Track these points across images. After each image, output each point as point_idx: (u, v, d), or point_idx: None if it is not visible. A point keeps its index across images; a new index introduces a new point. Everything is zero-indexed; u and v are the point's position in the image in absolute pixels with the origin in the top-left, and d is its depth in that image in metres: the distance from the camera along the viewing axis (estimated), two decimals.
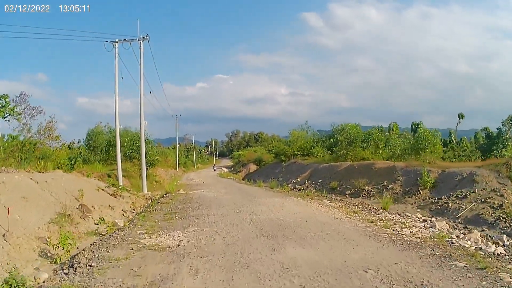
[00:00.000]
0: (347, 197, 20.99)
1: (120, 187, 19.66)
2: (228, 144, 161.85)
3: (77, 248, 9.39)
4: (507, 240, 10.54)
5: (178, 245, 8.90)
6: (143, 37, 24.08)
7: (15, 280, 6.27)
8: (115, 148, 24.21)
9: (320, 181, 27.11)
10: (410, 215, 14.56)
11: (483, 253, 8.48)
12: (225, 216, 13.17)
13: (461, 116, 53.05)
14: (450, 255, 8.00)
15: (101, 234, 11.23)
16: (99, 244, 9.24)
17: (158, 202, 18.15)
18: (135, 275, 6.72)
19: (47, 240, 8.99)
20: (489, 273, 6.71)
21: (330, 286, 6.12)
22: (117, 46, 23.56)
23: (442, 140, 33.32)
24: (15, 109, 21.31)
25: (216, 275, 6.65)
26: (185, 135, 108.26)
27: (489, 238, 11.16)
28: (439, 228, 12.01)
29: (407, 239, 9.57)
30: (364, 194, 20.75)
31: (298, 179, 30.77)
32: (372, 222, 12.11)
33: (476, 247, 9.35)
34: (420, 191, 17.57)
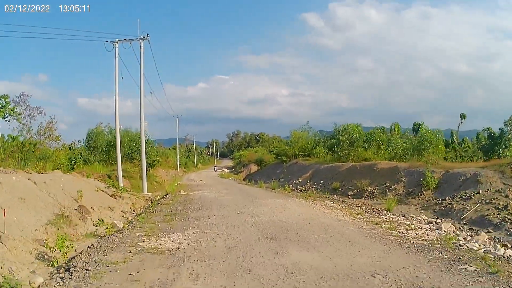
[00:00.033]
0: (349, 198, 20.76)
1: (120, 188, 19.51)
2: (229, 145, 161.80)
3: (75, 251, 9.19)
4: None
5: (178, 248, 8.63)
6: (144, 37, 24.04)
7: (9, 285, 6.06)
8: (115, 149, 24.09)
9: (322, 181, 26.89)
10: (414, 216, 14.30)
11: (492, 256, 8.18)
12: (226, 218, 12.92)
13: (463, 116, 52.95)
14: (459, 258, 7.72)
15: (100, 236, 11.04)
16: (96, 246, 9.01)
17: (158, 203, 17.94)
18: (133, 280, 6.46)
19: (44, 242, 8.80)
20: (501, 278, 6.44)
21: None
22: (117, 46, 23.54)
23: (444, 141, 33.09)
24: (15, 110, 21.15)
25: (217, 281, 6.38)
26: (186, 135, 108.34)
27: (497, 241, 10.90)
28: (446, 230, 11.74)
29: (413, 242, 9.31)
30: (366, 195, 20.53)
31: (300, 180, 30.56)
32: (376, 224, 11.83)
33: (485, 250, 9.06)
34: (424, 192, 17.37)
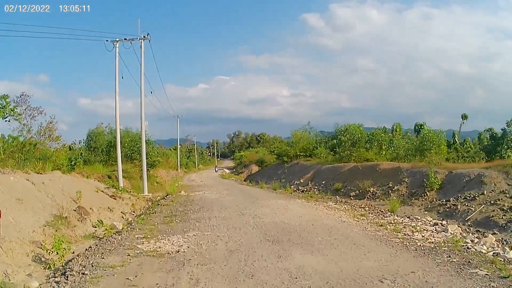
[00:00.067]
0: (351, 199, 20.57)
1: (120, 189, 19.30)
2: (230, 145, 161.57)
3: (73, 253, 8.97)
4: None
5: (178, 251, 8.36)
6: (144, 37, 23.92)
7: None
8: (115, 149, 23.91)
9: (323, 182, 26.70)
10: (419, 218, 14.07)
11: (502, 260, 7.94)
12: (227, 219, 12.66)
13: (464, 116, 52.64)
14: (469, 262, 7.48)
15: (98, 237, 10.82)
16: (94, 249, 8.76)
17: (158, 204, 17.71)
18: (131, 285, 6.21)
19: (41, 244, 8.60)
20: None
21: None
22: (117, 45, 23.42)
23: (446, 141, 32.90)
24: (15, 110, 20.98)
25: (218, 286, 6.13)
26: (186, 136, 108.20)
27: (505, 243, 10.69)
28: (452, 232, 11.49)
29: (420, 244, 9.06)
30: (369, 195, 20.36)
31: (301, 180, 30.36)
32: (381, 225, 11.56)
33: (493, 253, 8.82)
34: (427, 192, 17.19)
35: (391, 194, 18.84)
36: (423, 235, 10.53)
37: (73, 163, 23.88)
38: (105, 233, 11.07)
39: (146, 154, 25.81)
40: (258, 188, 28.89)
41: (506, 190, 14.30)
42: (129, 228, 11.54)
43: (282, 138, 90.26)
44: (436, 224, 13.11)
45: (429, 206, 16.06)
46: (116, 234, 10.69)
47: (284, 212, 14.04)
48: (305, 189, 26.63)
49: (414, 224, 12.41)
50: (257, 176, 43.93)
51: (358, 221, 12.45)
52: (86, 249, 8.92)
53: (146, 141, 26.97)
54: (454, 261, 7.53)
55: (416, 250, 8.50)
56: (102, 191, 16.96)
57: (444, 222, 13.54)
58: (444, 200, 15.74)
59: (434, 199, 16.46)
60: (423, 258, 7.76)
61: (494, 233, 11.75)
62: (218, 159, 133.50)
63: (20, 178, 12.07)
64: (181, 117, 68.63)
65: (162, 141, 79.91)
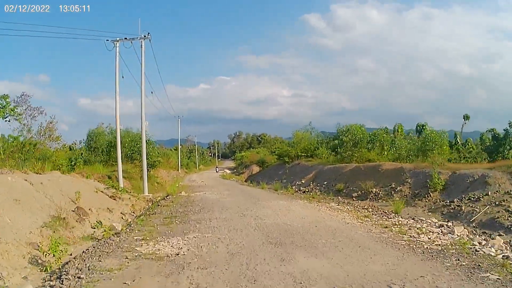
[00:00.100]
0: (354, 200, 20.30)
1: (120, 189, 19.12)
2: (231, 146, 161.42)
3: (70, 254, 8.80)
4: None
5: (177, 254, 8.09)
6: (145, 36, 23.78)
7: None
8: (116, 149, 23.69)
9: (325, 183, 26.44)
10: (424, 219, 13.80)
11: None
12: (228, 221, 12.39)
13: (466, 117, 52.42)
14: (479, 265, 7.23)
15: (97, 238, 10.64)
16: (91, 251, 8.50)
17: (158, 205, 17.46)
18: None
19: (38, 246, 8.39)
20: None
21: None
22: (118, 45, 23.29)
23: (448, 142, 32.72)
24: (15, 110, 20.85)
25: None
26: (187, 136, 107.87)
27: None
28: (459, 234, 11.22)
29: (427, 247, 8.82)
30: (371, 196, 20.07)
31: (303, 181, 30.10)
32: (386, 227, 11.32)
33: (503, 256, 8.56)
34: (430, 193, 16.91)
35: (394, 195, 18.57)
36: (429, 237, 10.30)
37: (73, 163, 23.73)
38: (103, 234, 10.89)
39: (147, 154, 25.63)
40: (259, 189, 28.66)
41: (511, 191, 14.00)
42: (128, 230, 11.30)
43: (283, 139, 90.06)
44: (441, 225, 12.84)
45: (432, 207, 15.82)
46: (115, 235, 10.47)
47: (286, 213, 13.78)
48: (307, 190, 26.36)
49: (420, 226, 12.15)
50: (258, 177, 43.71)
51: (362, 222, 12.20)
52: (83, 251, 8.68)
53: (146, 141, 26.80)
54: (463, 265, 7.30)
55: (423, 253, 8.25)
56: (101, 191, 16.76)
57: (449, 223, 13.26)
58: (448, 201, 15.50)
59: (438, 200, 16.21)
60: (431, 262, 7.51)
61: (500, 235, 11.45)
62: (219, 159, 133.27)
63: (18, 178, 11.92)
64: (182, 117, 68.62)
65: (163, 142, 79.95)
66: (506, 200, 13.46)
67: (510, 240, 10.88)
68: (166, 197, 21.53)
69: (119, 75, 23.15)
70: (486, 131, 38.97)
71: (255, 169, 56.08)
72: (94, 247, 9.00)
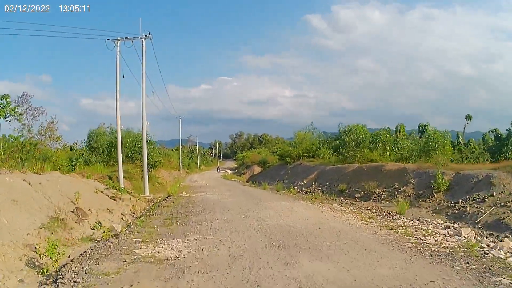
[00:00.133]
0: (357, 200, 20.11)
1: (120, 189, 18.91)
2: (232, 146, 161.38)
3: (69, 256, 8.59)
4: None
5: (177, 257, 7.81)
6: (146, 35, 23.61)
7: None
8: (116, 149, 23.48)
9: (327, 183, 26.23)
10: (430, 221, 13.53)
11: None
12: (230, 222, 12.12)
13: (468, 117, 52.27)
14: (489, 268, 6.99)
15: (96, 240, 10.43)
16: (89, 254, 8.25)
17: (159, 206, 17.21)
18: None
19: (36, 248, 8.22)
20: None
21: None
22: (118, 44, 23.13)
23: (451, 142, 32.53)
24: (16, 110, 20.69)
25: None
26: (188, 136, 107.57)
27: None
28: (466, 236, 10.96)
29: (435, 250, 8.56)
30: (374, 197, 19.88)
31: (305, 182, 29.88)
32: (391, 229, 11.05)
33: None
34: (434, 194, 16.73)
35: (397, 195, 18.38)
36: (436, 239, 10.06)
37: (73, 163, 23.59)
38: (103, 236, 10.69)
39: (148, 155, 25.45)
40: (261, 189, 28.42)
41: None
42: (127, 231, 11.03)
43: (284, 139, 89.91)
44: (448, 227, 12.60)
45: (437, 208, 15.61)
46: (114, 237, 10.22)
47: (289, 215, 13.52)
48: (309, 190, 26.16)
49: (425, 228, 11.89)
50: (259, 177, 43.52)
51: (367, 224, 11.94)
52: (80, 254, 8.43)
53: (147, 141, 26.62)
54: (473, 268, 7.05)
55: (431, 256, 8.00)
56: (101, 192, 16.54)
57: (456, 225, 13.03)
58: (452, 202, 15.30)
59: (442, 201, 16.03)
60: (441, 265, 7.25)
61: (506, 236, 11.21)
62: (220, 159, 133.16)
63: (17, 178, 11.74)
64: (183, 117, 68.38)
65: (164, 142, 79.85)
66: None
67: None
68: (167, 197, 21.30)
69: (120, 74, 23.00)
70: (489, 131, 38.82)
71: (257, 169, 55.94)
72: (92, 250, 8.75)
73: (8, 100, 20.26)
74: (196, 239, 9.59)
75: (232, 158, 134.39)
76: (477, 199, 14.44)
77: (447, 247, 9.00)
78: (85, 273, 6.75)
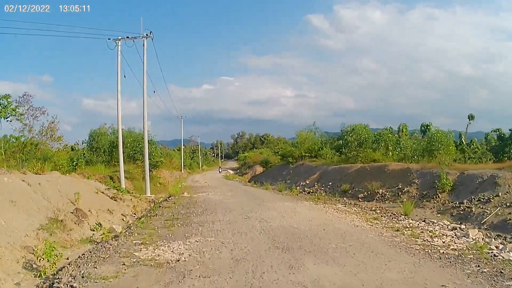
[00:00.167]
0: (360, 201, 19.92)
1: (121, 190, 18.74)
2: (234, 146, 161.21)
3: (67, 259, 8.37)
4: None
5: (178, 260, 7.54)
6: (147, 35, 23.44)
7: None
8: (118, 149, 23.30)
9: (330, 183, 26.05)
10: (436, 222, 13.30)
11: None
12: (232, 223, 11.86)
13: (471, 117, 52.14)
14: (501, 272, 6.74)
15: (96, 241, 10.21)
16: (87, 257, 8.01)
17: (160, 206, 16.98)
18: None
19: (33, 250, 7.97)
20: None
21: None
22: (119, 43, 22.94)
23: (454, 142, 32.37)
24: (17, 110, 20.63)
25: None
26: (190, 136, 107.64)
27: None
28: (473, 238, 10.71)
29: (443, 252, 8.30)
30: (378, 197, 19.73)
31: (307, 182, 29.71)
32: (397, 230, 10.79)
33: None
34: (439, 194, 16.59)
35: (401, 196, 18.23)
36: (443, 240, 9.83)
37: (74, 163, 23.45)
38: (102, 237, 10.48)
39: (149, 155, 25.28)
40: (263, 190, 28.20)
41: None
42: (127, 233, 10.79)
43: (286, 139, 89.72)
44: (454, 228, 12.37)
45: (441, 209, 15.45)
46: (113, 239, 10.00)
47: (292, 216, 13.26)
48: (312, 191, 25.97)
49: (432, 229, 11.64)
50: (261, 177, 43.34)
51: (372, 225, 11.69)
52: (78, 257, 8.20)
53: (148, 141, 26.46)
54: (485, 272, 6.80)
55: (440, 258, 7.75)
56: (102, 192, 16.32)
57: (463, 226, 12.82)
58: (457, 202, 15.14)
59: (447, 201, 15.86)
60: (450, 268, 7.00)
61: None
62: (222, 160, 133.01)
63: (15, 178, 11.57)
64: (184, 117, 68.16)
65: (166, 142, 79.73)
66: None
67: None
68: (168, 198, 21.09)
69: (121, 74, 22.87)
70: (491, 131, 38.84)
71: (259, 169, 55.77)
72: (90, 252, 8.51)
73: (9, 100, 20.24)
74: (197, 241, 9.34)
75: (234, 158, 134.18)
76: (482, 200, 14.29)
77: (455, 249, 8.76)
78: (82, 277, 6.52)
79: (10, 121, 20.45)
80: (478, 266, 7.19)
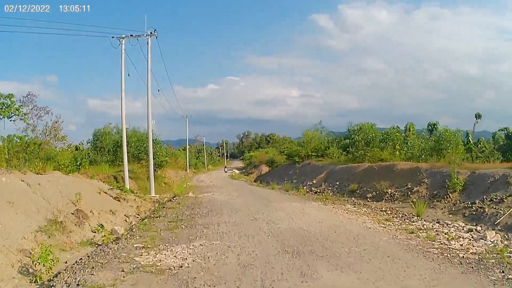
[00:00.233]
0: (368, 201, 19.42)
1: (125, 190, 18.44)
2: (239, 146, 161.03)
3: (65, 262, 7.99)
4: None
5: (181, 266, 7.04)
6: (151, 33, 23.18)
7: None
8: (122, 149, 22.99)
9: (337, 183, 25.56)
10: (450, 223, 12.77)
11: None
12: (239, 225, 11.39)
13: (478, 116, 51.55)
14: None
15: (97, 244, 9.84)
16: (84, 262, 7.56)
17: (164, 207, 16.57)
18: None
19: (30, 253, 7.64)
20: None
21: None
22: (123, 42, 22.70)
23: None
24: (20, 109, 20.44)
25: None
26: (196, 136, 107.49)
27: None
28: (491, 240, 10.18)
29: (463, 256, 7.81)
30: (387, 197, 19.17)
31: (314, 181, 29.24)
32: (412, 232, 10.27)
33: None
34: (449, 194, 15.99)
35: (411, 195, 17.67)
36: (461, 243, 9.34)
37: (78, 163, 23.20)
38: (103, 239, 10.11)
39: (154, 154, 25.04)
40: (269, 189, 27.77)
41: None
42: (128, 235, 10.34)
43: (292, 139, 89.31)
44: (470, 230, 11.82)
45: (453, 209, 14.89)
46: (114, 241, 9.61)
47: (301, 217, 12.77)
48: (319, 190, 25.51)
49: (447, 231, 11.14)
50: (267, 177, 42.95)
51: (385, 227, 11.18)
52: (76, 262, 7.74)
53: (153, 140, 26.19)
54: (510, 279, 6.29)
55: (461, 263, 7.25)
56: (105, 192, 15.99)
57: (478, 227, 12.26)
58: (469, 203, 14.59)
59: (458, 201, 15.31)
60: (474, 275, 6.50)
61: None
62: (228, 159, 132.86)
63: (14, 178, 11.28)
64: (190, 117, 68.11)
65: (172, 142, 79.87)
66: None
67: None
68: (173, 198, 20.75)
69: (124, 72, 22.55)
70: (498, 130, 38.33)
71: (264, 169, 55.40)
72: (88, 257, 8.05)
73: (12, 99, 20.07)
74: (202, 245, 8.87)
75: (239, 158, 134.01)
76: (494, 200, 13.75)
77: (475, 252, 8.30)
78: (78, 284, 6.07)
79: (14, 121, 20.34)
80: (503, 272, 6.72)
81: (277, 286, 5.91)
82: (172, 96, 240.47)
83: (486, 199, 14.00)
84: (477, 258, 7.74)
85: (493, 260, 7.55)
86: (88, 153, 28.04)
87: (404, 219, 13.28)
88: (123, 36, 22.66)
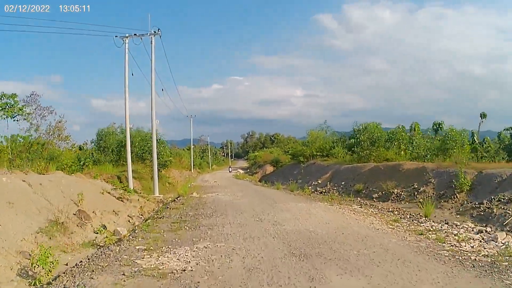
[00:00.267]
0: (374, 201, 19.22)
1: (128, 190, 18.31)
2: (244, 146, 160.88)
3: (66, 264, 7.79)
4: None
5: (184, 270, 6.80)
6: (155, 32, 23.10)
7: None
8: (126, 149, 22.88)
9: (343, 183, 25.36)
10: (459, 224, 12.48)
11: None
12: (244, 226, 11.16)
13: (483, 115, 51.26)
14: None
15: (99, 245, 9.65)
16: (84, 265, 7.36)
17: (168, 207, 16.39)
18: None
19: (30, 255, 7.45)
20: None
21: None
22: (127, 41, 22.61)
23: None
24: (23, 109, 20.47)
25: None
26: (200, 136, 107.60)
27: None
28: (503, 242, 9.87)
29: (475, 259, 7.55)
30: (393, 197, 18.96)
31: (319, 181, 29.04)
32: (421, 234, 10.03)
33: None
34: (457, 194, 15.75)
35: (417, 196, 17.45)
36: (472, 245, 9.10)
37: (82, 163, 23.11)
38: (106, 241, 9.95)
39: (158, 154, 24.97)
40: (274, 189, 27.59)
41: None
42: (131, 237, 10.16)
43: (296, 139, 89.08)
44: (480, 231, 11.53)
45: (460, 209, 14.65)
46: (116, 243, 9.44)
47: (308, 218, 12.53)
48: (324, 190, 25.32)
49: (456, 232, 10.86)
50: (272, 177, 42.80)
51: (393, 228, 10.92)
52: (75, 265, 7.56)
53: (157, 140, 26.04)
54: None
55: (473, 266, 6.99)
56: (108, 192, 15.84)
57: (488, 228, 11.97)
58: (476, 203, 14.34)
59: (465, 202, 15.08)
60: (488, 279, 6.24)
61: None
62: (232, 159, 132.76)
63: (15, 178, 11.12)
64: (194, 117, 68.07)
65: (176, 142, 79.88)
66: None
67: None
68: (177, 198, 20.61)
69: (128, 72, 22.43)
70: (504, 129, 38.15)
71: (269, 169, 55.16)
72: (88, 259, 7.86)
73: (15, 99, 20.05)
74: (206, 247, 8.65)
75: (244, 157, 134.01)
76: (502, 200, 13.49)
77: (487, 255, 8.04)
78: None
79: (17, 120, 20.35)
80: None
81: None
82: (177, 96, 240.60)
83: (494, 200, 13.76)
84: (489, 260, 7.47)
85: (507, 263, 7.27)
86: (92, 153, 27.93)
87: (412, 220, 13.05)
88: (127, 35, 22.57)
